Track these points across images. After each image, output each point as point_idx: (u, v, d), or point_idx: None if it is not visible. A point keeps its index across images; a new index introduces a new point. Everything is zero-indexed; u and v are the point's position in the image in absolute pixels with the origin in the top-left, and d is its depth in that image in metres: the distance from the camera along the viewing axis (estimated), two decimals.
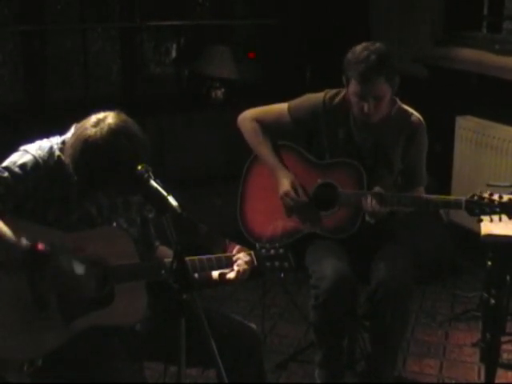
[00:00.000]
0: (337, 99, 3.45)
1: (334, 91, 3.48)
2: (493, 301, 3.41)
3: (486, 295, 3.68)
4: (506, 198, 3.14)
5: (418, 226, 3.85)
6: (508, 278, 3.81)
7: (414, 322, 4.39)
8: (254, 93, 5.69)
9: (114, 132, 2.46)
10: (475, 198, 3.16)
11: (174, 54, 6.05)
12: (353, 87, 3.27)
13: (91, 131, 2.46)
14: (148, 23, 5.81)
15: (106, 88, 5.81)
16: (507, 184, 3.88)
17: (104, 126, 2.46)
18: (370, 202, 3.23)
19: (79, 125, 2.54)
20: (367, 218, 3.30)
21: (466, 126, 5.29)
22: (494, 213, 3.13)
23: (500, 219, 3.14)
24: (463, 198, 3.19)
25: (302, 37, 6.11)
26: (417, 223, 3.67)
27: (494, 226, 3.23)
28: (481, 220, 3.19)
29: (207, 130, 5.53)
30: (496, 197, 3.15)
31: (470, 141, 5.24)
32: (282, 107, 3.53)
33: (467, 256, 5.06)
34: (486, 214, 3.15)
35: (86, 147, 2.46)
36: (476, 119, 5.27)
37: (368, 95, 3.24)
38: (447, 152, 5.41)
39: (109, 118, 2.49)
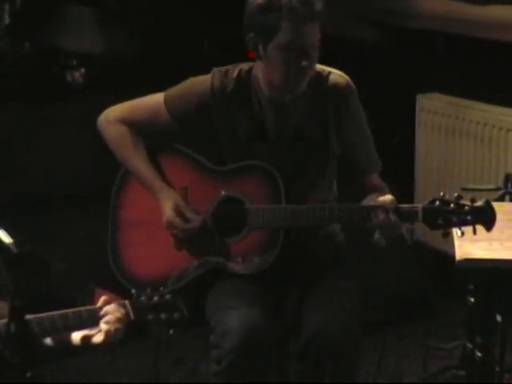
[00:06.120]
0: (231, 80, 3.46)
1: (223, 70, 3.49)
2: (479, 354, 3.40)
3: (469, 345, 3.65)
4: (480, 202, 3.10)
5: (370, 251, 3.82)
6: (499, 318, 3.79)
7: None
8: (131, 74, 5.75)
9: None
10: (436, 203, 3.14)
11: (7, 19, 6.03)
12: (282, 38, 3.23)
13: None
14: None
15: None
16: (490, 186, 3.87)
17: None
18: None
19: None
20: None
21: (431, 107, 5.46)
22: (465, 223, 3.10)
23: (474, 232, 3.09)
24: (419, 206, 3.16)
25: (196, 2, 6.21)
26: (369, 247, 3.64)
27: (472, 247, 3.24)
28: (447, 234, 3.13)
29: (64, 129, 5.55)
30: (466, 201, 3.11)
31: (437, 127, 5.39)
32: (157, 100, 3.53)
33: (442, 290, 5.16)
34: (453, 225, 3.11)
35: None
36: (443, 97, 5.45)
37: (305, 45, 3.22)
38: (407, 144, 5.47)
39: None
